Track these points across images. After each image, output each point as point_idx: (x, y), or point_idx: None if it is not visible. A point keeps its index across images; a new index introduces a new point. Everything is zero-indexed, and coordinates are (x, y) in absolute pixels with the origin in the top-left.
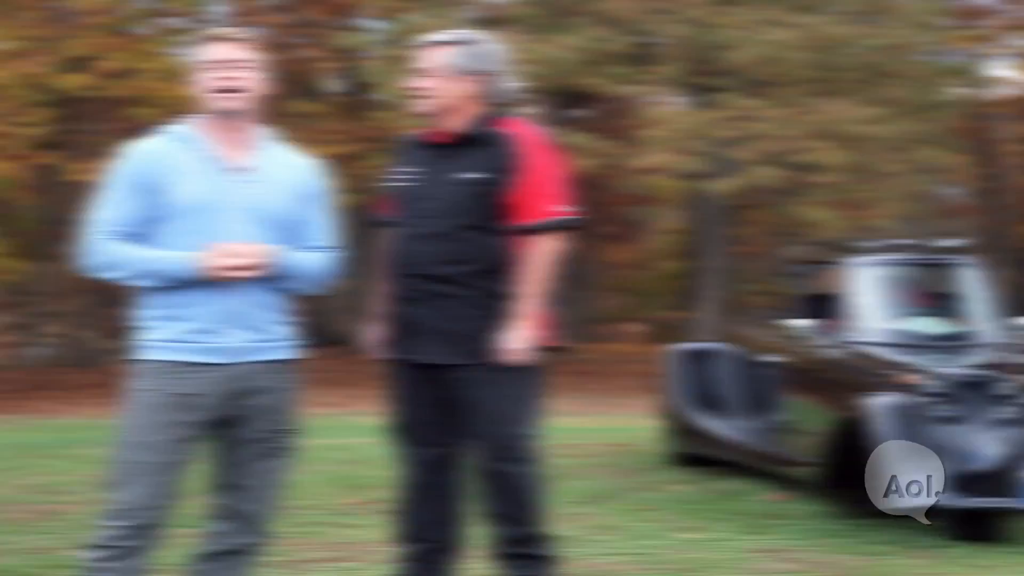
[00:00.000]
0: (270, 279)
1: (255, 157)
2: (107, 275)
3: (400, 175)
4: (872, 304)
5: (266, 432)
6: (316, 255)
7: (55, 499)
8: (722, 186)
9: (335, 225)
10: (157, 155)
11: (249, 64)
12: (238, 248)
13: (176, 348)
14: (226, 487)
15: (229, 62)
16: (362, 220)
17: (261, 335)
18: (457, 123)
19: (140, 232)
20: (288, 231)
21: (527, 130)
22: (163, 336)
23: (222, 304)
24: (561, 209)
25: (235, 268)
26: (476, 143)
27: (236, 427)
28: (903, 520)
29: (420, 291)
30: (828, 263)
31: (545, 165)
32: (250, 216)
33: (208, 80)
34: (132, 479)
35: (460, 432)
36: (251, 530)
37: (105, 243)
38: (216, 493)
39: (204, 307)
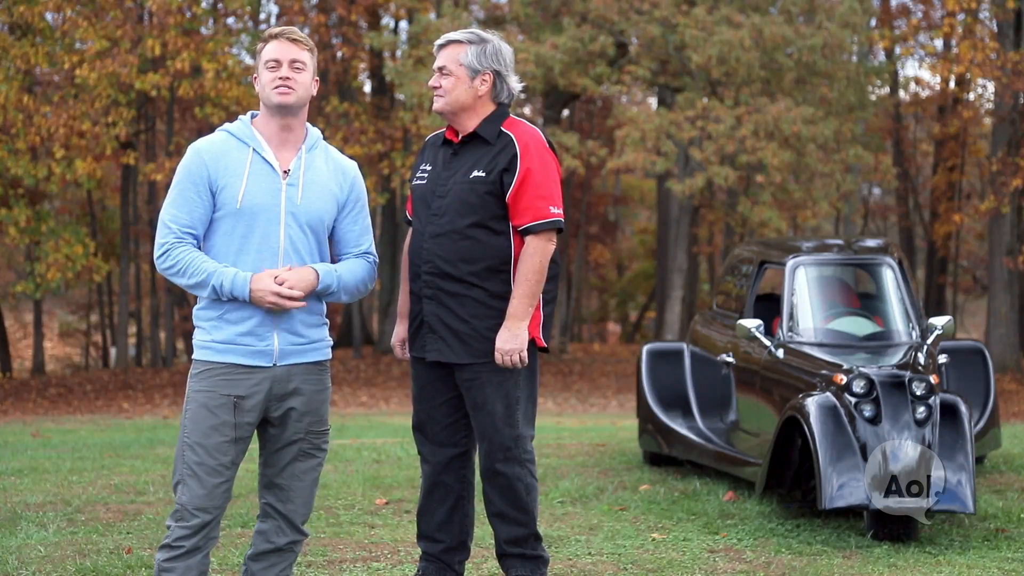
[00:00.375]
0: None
1: (303, 159)
2: (174, 280)
3: (419, 174)
4: (806, 304)
5: (303, 432)
6: (356, 264)
7: (139, 499)
8: (684, 186)
9: (371, 228)
10: (215, 154)
11: (304, 65)
12: (288, 278)
13: (227, 350)
14: (268, 487)
15: (288, 61)
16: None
17: (301, 339)
18: (469, 122)
19: (199, 229)
20: (330, 234)
21: (529, 130)
22: (216, 338)
23: (265, 308)
24: (555, 210)
25: (283, 298)
26: (484, 142)
27: (276, 428)
28: (839, 519)
29: (432, 289)
30: (769, 263)
31: (543, 166)
32: (296, 219)
33: (266, 76)
34: (190, 479)
35: (472, 431)
36: (291, 528)
37: (173, 245)
38: (262, 493)
39: (251, 311)
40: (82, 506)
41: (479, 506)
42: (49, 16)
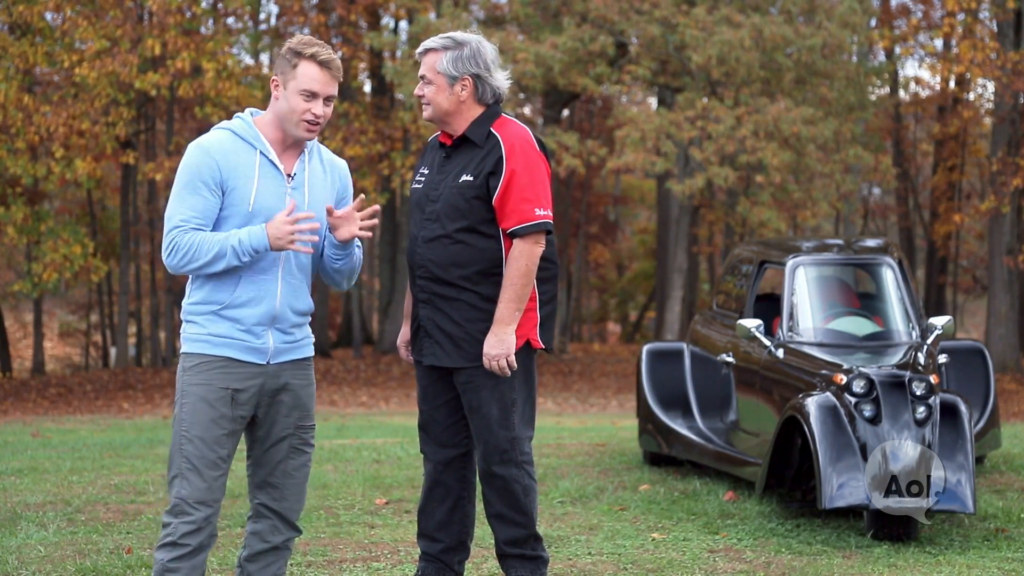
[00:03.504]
0: (311, 271)
1: (303, 163)
2: (188, 268)
3: (417, 177)
4: (806, 304)
5: (292, 428)
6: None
7: (139, 499)
8: (684, 186)
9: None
10: (223, 153)
11: (333, 98)
12: (298, 215)
13: (224, 344)
14: (261, 487)
15: (325, 97)
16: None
17: (291, 336)
18: (458, 126)
19: (210, 228)
20: (327, 233)
21: (517, 131)
22: (213, 332)
23: (267, 307)
24: (541, 212)
25: (299, 233)
26: (474, 145)
27: (264, 426)
28: (839, 519)
29: (426, 293)
30: (769, 263)
31: (528, 168)
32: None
33: (298, 103)
34: (190, 473)
35: (471, 433)
36: (287, 526)
37: (179, 235)
38: (253, 493)
39: (249, 308)
40: (82, 506)
41: (480, 506)
42: (49, 16)
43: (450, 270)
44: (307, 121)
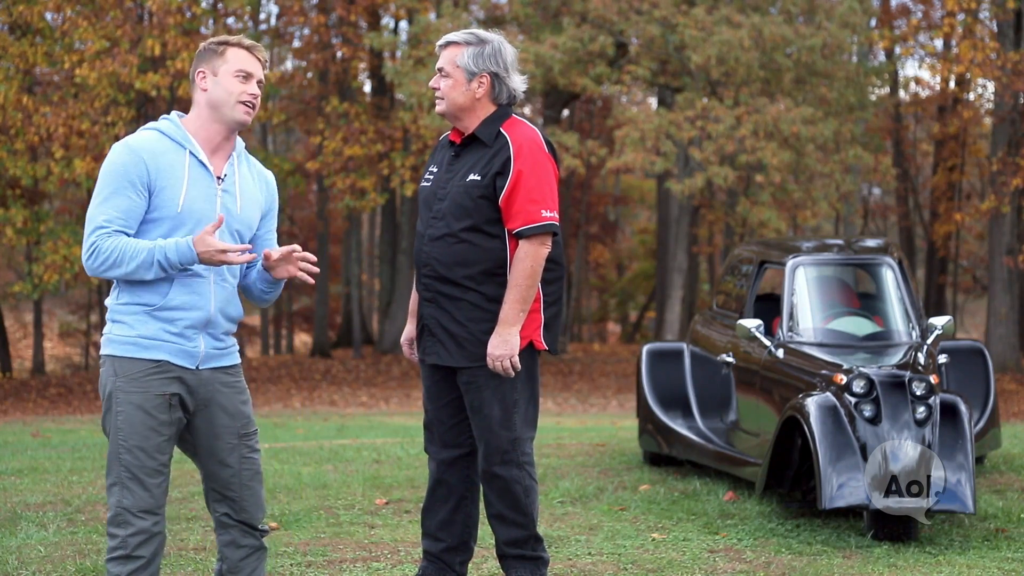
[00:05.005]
0: (243, 283)
1: (232, 166)
2: (110, 274)
3: (426, 175)
4: (806, 304)
5: (236, 438)
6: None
7: None
8: (684, 186)
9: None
10: (151, 154)
11: (262, 84)
12: (228, 245)
13: (155, 346)
14: (220, 500)
15: (256, 79)
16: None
17: (220, 343)
18: (470, 123)
19: (134, 230)
20: (252, 241)
21: (526, 132)
22: (142, 333)
23: (200, 311)
24: (547, 214)
25: (227, 251)
26: (483, 144)
27: (207, 441)
28: (839, 519)
29: (430, 292)
30: (769, 263)
31: (536, 168)
32: (229, 226)
33: (234, 85)
34: (131, 483)
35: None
36: (253, 531)
37: (100, 238)
38: (212, 506)
39: (184, 312)
40: (82, 506)
41: (482, 507)
42: (49, 16)
43: (455, 269)
44: (244, 103)
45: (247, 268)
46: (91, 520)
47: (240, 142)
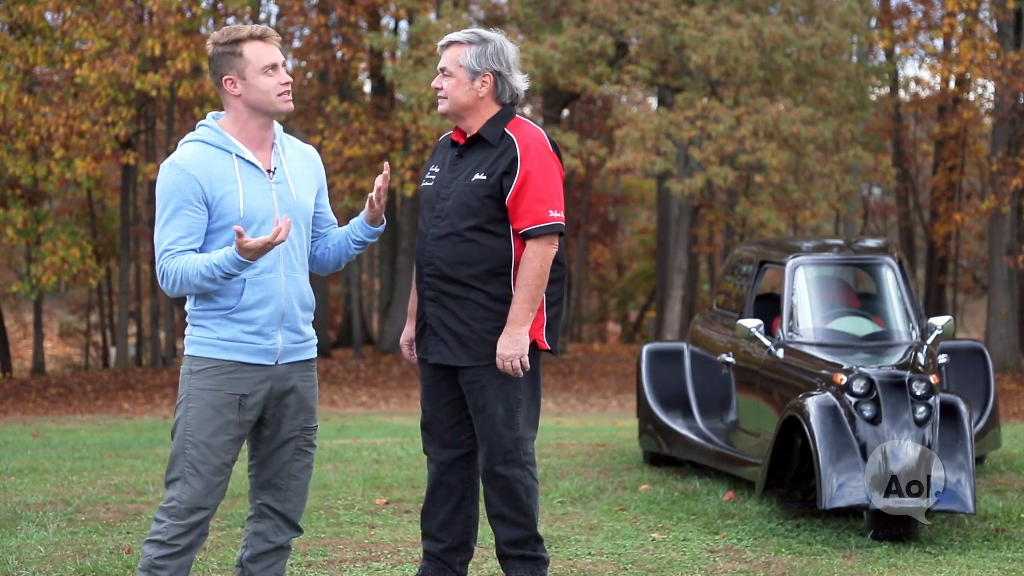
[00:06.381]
0: (319, 257)
1: (278, 156)
2: (183, 292)
3: (427, 175)
4: (806, 304)
5: (298, 430)
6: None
7: (139, 499)
8: (683, 186)
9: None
10: (200, 168)
11: (285, 63)
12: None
13: (233, 348)
14: (265, 487)
15: (280, 62)
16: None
17: (300, 336)
18: (473, 123)
19: (200, 243)
20: (313, 222)
21: (532, 132)
22: (221, 335)
23: (274, 307)
24: (555, 214)
25: (270, 242)
26: (488, 144)
27: (271, 428)
28: (839, 519)
29: (433, 291)
30: (769, 263)
31: (543, 169)
32: (291, 217)
33: (267, 81)
34: (192, 478)
35: (474, 433)
36: (290, 526)
37: (170, 263)
38: (255, 493)
39: (259, 310)
40: (82, 506)
41: (481, 506)
42: (49, 16)
43: (459, 268)
44: (282, 94)
45: (313, 246)
46: (91, 520)
47: (278, 127)
